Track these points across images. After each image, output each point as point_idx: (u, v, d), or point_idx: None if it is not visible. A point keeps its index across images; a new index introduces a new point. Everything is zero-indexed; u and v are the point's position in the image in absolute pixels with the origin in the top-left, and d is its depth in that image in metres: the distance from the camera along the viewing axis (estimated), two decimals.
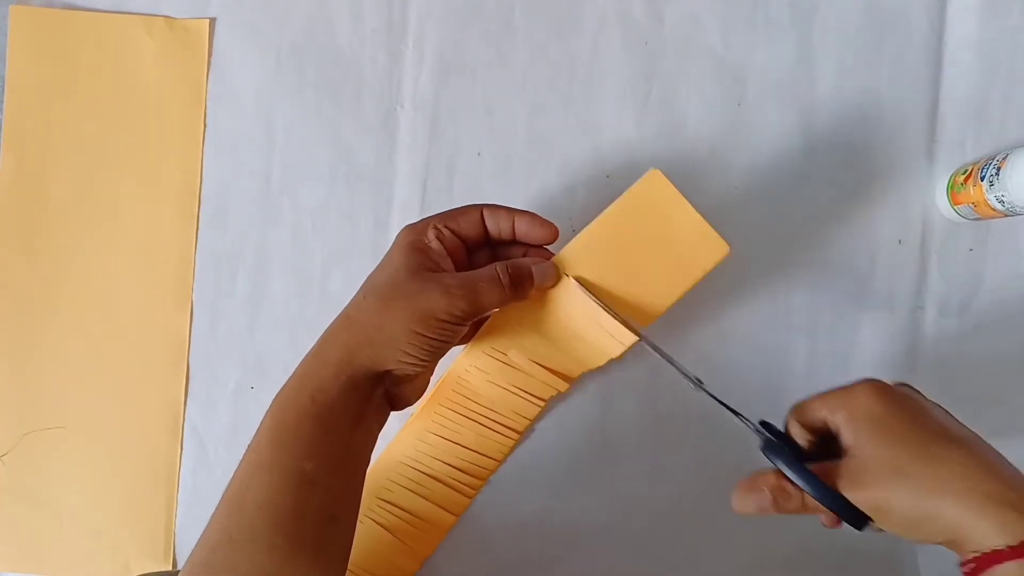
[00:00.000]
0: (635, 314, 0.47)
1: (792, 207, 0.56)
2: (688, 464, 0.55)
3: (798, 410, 0.42)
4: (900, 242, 0.55)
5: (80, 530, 0.56)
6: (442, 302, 0.41)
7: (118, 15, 0.57)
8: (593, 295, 0.46)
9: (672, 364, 0.46)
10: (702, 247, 0.47)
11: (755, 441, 0.42)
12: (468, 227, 0.45)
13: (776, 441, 0.42)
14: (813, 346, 0.55)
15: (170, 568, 0.56)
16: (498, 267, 0.43)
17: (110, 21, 0.57)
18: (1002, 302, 0.55)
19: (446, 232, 0.45)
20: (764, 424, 0.43)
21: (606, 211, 0.47)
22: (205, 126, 0.57)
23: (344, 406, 0.40)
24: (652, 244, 0.47)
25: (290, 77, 0.57)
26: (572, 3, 0.57)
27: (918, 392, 0.42)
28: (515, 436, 0.53)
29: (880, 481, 0.37)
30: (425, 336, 0.41)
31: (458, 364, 0.51)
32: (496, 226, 0.46)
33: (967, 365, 0.55)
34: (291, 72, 0.57)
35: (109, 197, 0.57)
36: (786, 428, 0.43)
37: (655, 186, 0.47)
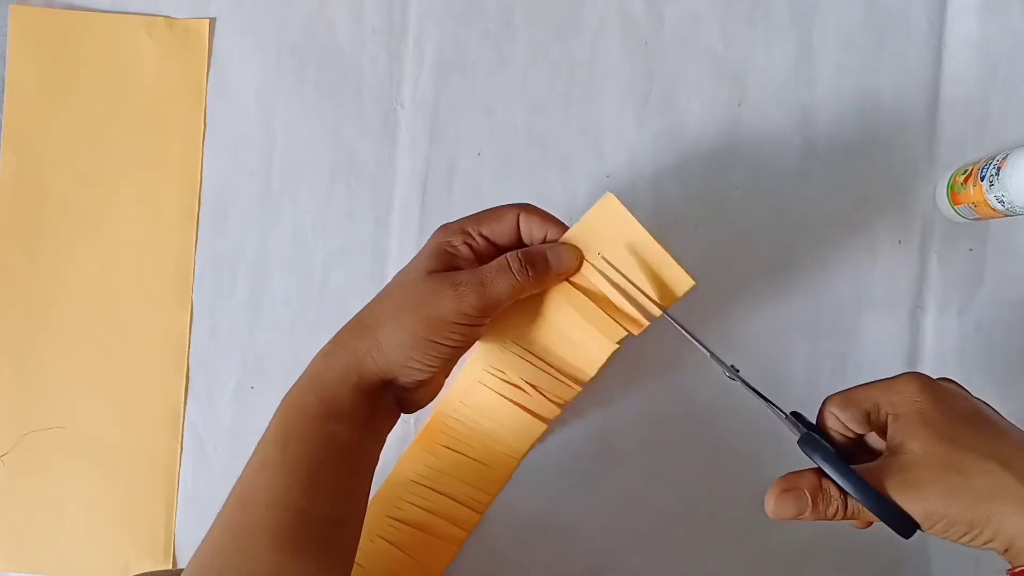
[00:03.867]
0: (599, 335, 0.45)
1: (792, 207, 0.56)
2: (688, 465, 0.55)
3: (838, 402, 0.38)
4: (900, 242, 0.55)
5: (80, 530, 0.56)
6: (452, 303, 0.39)
7: (118, 15, 0.57)
8: (614, 275, 0.43)
9: (706, 349, 0.41)
10: (667, 277, 0.43)
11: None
12: (503, 233, 0.43)
13: (817, 436, 0.37)
14: (813, 346, 0.55)
15: (170, 568, 0.56)
16: (508, 256, 0.41)
17: (110, 21, 0.57)
18: (1002, 302, 0.55)
19: (479, 240, 0.43)
20: (796, 416, 0.39)
21: (567, 234, 0.44)
22: (205, 126, 0.57)
23: (351, 410, 0.40)
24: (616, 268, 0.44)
25: (290, 77, 0.57)
26: (572, 3, 0.57)
27: (963, 388, 0.39)
28: (522, 452, 0.52)
29: (935, 482, 0.34)
30: (435, 342, 0.40)
31: (463, 378, 0.50)
32: (529, 233, 0.44)
33: (967, 365, 0.55)
34: (291, 72, 0.57)
35: (109, 197, 0.57)
36: (819, 422, 0.39)
37: (610, 211, 0.43)
